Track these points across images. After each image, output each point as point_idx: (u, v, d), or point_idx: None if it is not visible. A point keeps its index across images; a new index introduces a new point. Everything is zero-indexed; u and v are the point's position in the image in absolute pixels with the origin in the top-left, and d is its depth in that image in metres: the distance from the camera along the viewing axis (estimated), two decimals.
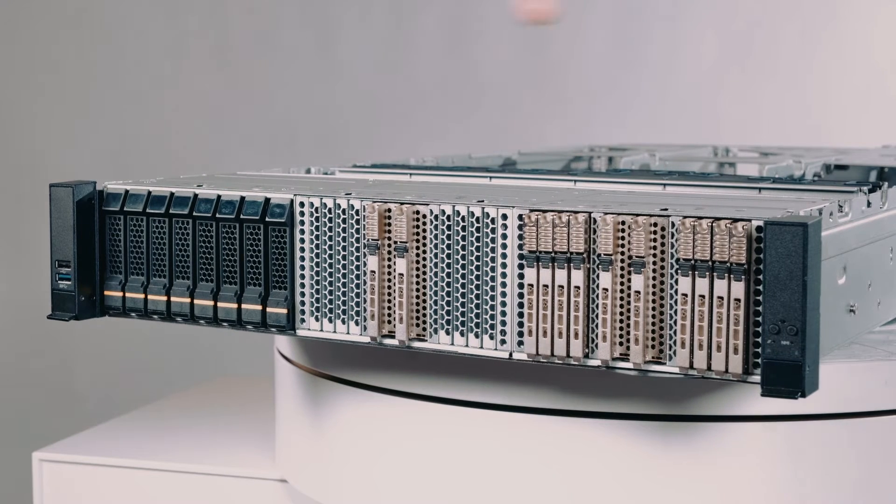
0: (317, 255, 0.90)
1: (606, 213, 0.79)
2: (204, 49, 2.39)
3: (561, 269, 0.81)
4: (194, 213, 0.93)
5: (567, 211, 0.81)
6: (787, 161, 1.26)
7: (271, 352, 1.20)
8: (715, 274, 0.76)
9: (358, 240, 0.88)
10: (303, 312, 0.90)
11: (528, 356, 0.83)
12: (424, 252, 0.86)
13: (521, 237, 0.82)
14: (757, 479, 0.90)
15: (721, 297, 0.76)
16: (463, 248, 0.84)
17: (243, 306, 0.92)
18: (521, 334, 0.83)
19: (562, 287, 0.81)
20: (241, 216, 0.91)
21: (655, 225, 0.78)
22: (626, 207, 0.81)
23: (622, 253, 0.79)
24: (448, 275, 0.85)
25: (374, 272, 0.87)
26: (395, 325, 0.87)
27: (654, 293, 0.79)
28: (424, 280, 0.86)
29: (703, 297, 0.77)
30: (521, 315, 0.83)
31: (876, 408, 0.92)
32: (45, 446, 1.34)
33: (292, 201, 0.90)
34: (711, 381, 0.82)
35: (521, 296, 0.82)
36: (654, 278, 0.79)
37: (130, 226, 0.96)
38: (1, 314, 2.55)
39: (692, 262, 0.77)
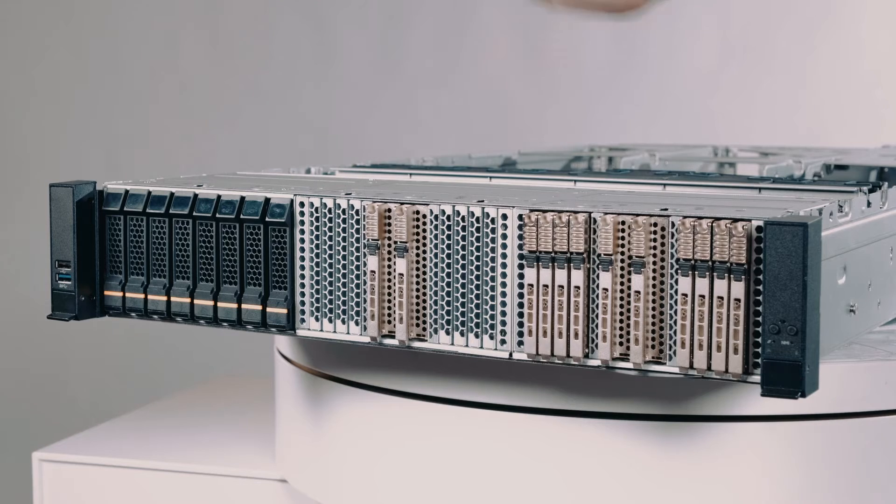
0: (317, 255, 0.90)
1: (606, 213, 0.79)
2: (203, 49, 2.39)
3: (561, 269, 0.81)
4: (194, 213, 0.93)
5: (567, 211, 0.81)
6: (787, 161, 1.26)
7: (271, 352, 1.20)
8: (715, 274, 0.76)
9: (358, 240, 0.88)
10: (303, 312, 0.90)
11: (528, 356, 0.83)
12: (424, 252, 0.86)
13: (521, 237, 0.82)
14: (757, 479, 0.90)
15: (721, 297, 0.76)
16: (463, 248, 0.85)
17: (243, 306, 0.92)
18: (521, 334, 0.83)
19: (562, 287, 0.81)
20: (241, 216, 0.91)
21: (655, 225, 0.78)
22: (626, 207, 0.81)
23: (622, 253, 0.79)
24: (448, 275, 0.85)
25: (374, 272, 0.87)
26: (395, 325, 0.87)
27: (653, 293, 0.79)
28: (424, 280, 0.86)
29: (703, 297, 0.77)
30: (521, 315, 0.83)
31: (876, 408, 0.92)
32: (45, 446, 1.34)
33: (292, 201, 0.90)
34: (711, 381, 0.82)
35: (521, 296, 0.82)
36: (654, 278, 0.79)
37: (130, 226, 0.96)
38: (1, 314, 2.55)
39: (692, 262, 0.77)
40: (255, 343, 1.84)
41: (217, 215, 0.92)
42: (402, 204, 0.86)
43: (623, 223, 0.79)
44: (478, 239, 0.84)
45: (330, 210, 0.89)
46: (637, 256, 0.79)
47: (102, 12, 2.44)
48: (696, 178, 1.10)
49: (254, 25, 2.36)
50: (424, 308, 0.86)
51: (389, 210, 0.86)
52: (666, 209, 0.79)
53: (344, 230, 0.89)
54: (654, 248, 0.79)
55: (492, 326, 0.84)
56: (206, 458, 1.28)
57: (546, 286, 0.81)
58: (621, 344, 0.80)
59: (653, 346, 0.79)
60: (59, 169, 2.42)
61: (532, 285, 0.82)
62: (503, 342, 0.84)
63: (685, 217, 0.77)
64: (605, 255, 0.79)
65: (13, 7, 2.50)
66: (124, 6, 2.43)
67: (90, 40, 2.46)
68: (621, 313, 0.80)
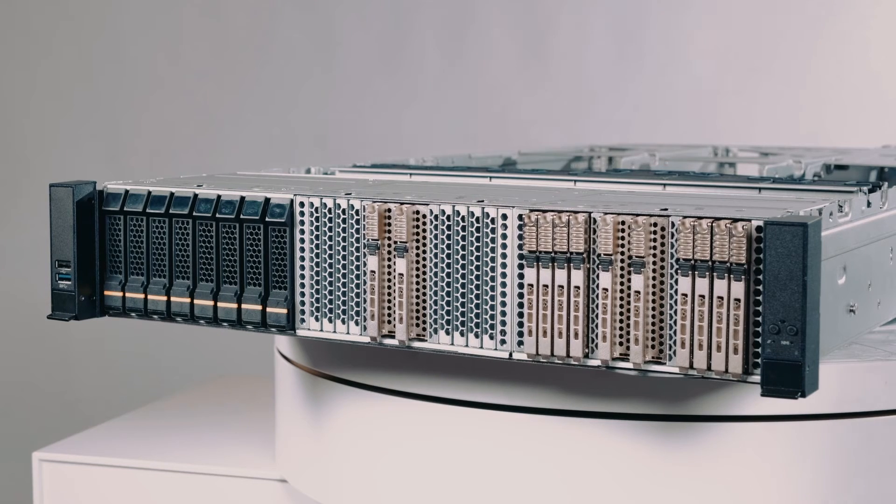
0: (317, 255, 0.90)
1: (606, 213, 0.79)
2: (203, 49, 2.39)
3: (561, 269, 0.81)
4: (194, 213, 0.93)
5: (567, 211, 0.81)
6: (787, 161, 1.26)
7: (271, 352, 1.20)
8: (715, 274, 0.76)
9: (358, 240, 0.88)
10: (303, 312, 0.90)
11: (528, 356, 0.83)
12: (424, 252, 0.86)
13: (521, 237, 0.82)
14: (757, 479, 0.90)
15: (721, 297, 0.76)
16: (463, 248, 0.85)
17: (243, 306, 0.92)
18: (521, 334, 0.83)
19: (562, 287, 0.81)
20: (241, 216, 0.91)
21: (655, 225, 0.78)
22: (626, 207, 0.81)
23: (622, 253, 0.79)
24: (448, 275, 0.85)
25: (374, 272, 0.87)
26: (395, 325, 0.87)
27: (653, 293, 0.79)
28: (424, 280, 0.86)
29: (702, 297, 0.77)
30: (520, 315, 0.83)
31: (876, 408, 0.92)
32: (45, 446, 1.34)
33: (292, 201, 0.90)
34: (711, 381, 0.82)
35: (521, 296, 0.82)
36: (653, 278, 0.79)
37: (130, 226, 0.96)
38: (1, 314, 2.55)
39: (692, 262, 0.77)
40: (255, 343, 1.84)
41: (217, 215, 0.92)
42: (402, 204, 0.86)
43: (623, 223, 0.79)
44: (478, 239, 0.84)
45: (330, 210, 0.89)
46: (637, 256, 0.79)
47: (103, 12, 2.44)
48: (696, 178, 1.10)
49: (255, 25, 2.36)
50: (424, 308, 0.86)
51: (389, 210, 0.86)
52: (666, 209, 0.79)
53: (344, 230, 0.89)
54: (654, 248, 0.79)
55: (492, 326, 0.84)
56: (206, 458, 1.28)
57: (546, 286, 0.81)
58: (621, 344, 0.80)
59: (653, 346, 0.79)
60: (59, 169, 2.42)
61: (532, 285, 0.82)
62: (503, 342, 0.84)
63: (685, 217, 0.77)
64: (604, 255, 0.79)
65: (14, 7, 2.50)
66: (125, 6, 2.43)
67: (91, 40, 2.46)
68: (621, 313, 0.80)
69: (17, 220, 2.52)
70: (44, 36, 2.48)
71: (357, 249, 0.88)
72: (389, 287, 0.87)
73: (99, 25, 2.45)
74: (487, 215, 0.83)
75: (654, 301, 0.79)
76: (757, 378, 0.76)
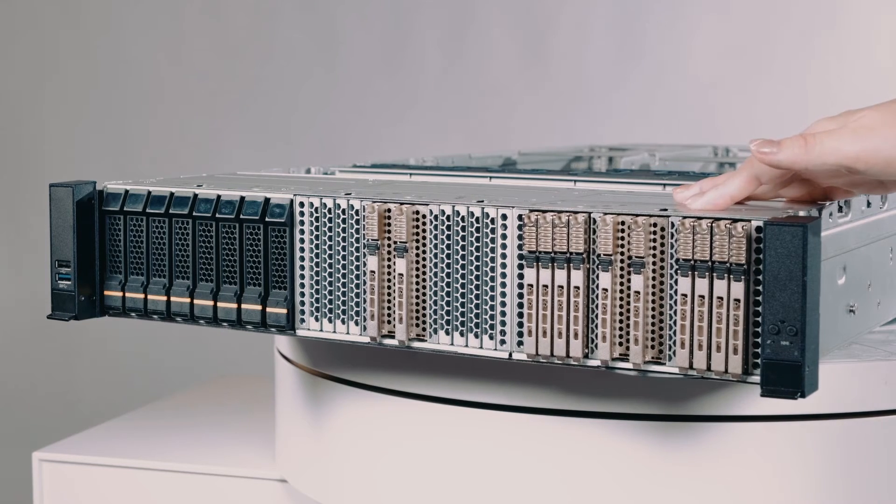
0: (317, 255, 0.90)
1: (606, 214, 0.79)
2: (204, 49, 2.39)
3: (561, 270, 0.81)
4: (194, 213, 0.93)
5: (567, 211, 0.81)
6: None
7: (271, 352, 1.20)
8: (714, 274, 0.76)
9: (358, 240, 0.88)
10: (303, 312, 0.90)
11: (528, 356, 0.83)
12: (424, 252, 0.86)
13: (520, 237, 0.82)
14: (756, 479, 0.90)
15: (721, 298, 0.76)
16: (463, 248, 0.84)
17: (243, 306, 0.92)
18: (520, 334, 0.83)
19: (561, 287, 0.81)
20: (241, 216, 0.91)
21: (655, 225, 0.78)
22: (626, 207, 0.81)
23: (622, 253, 0.79)
24: (448, 275, 0.85)
25: (373, 272, 0.87)
26: (394, 325, 0.87)
27: (653, 293, 0.79)
28: (424, 280, 0.86)
29: (702, 297, 0.77)
30: (520, 315, 0.83)
31: (876, 408, 0.92)
32: (45, 446, 1.34)
33: (292, 201, 0.90)
34: (711, 382, 0.82)
35: (520, 296, 0.82)
36: (653, 278, 0.79)
37: (130, 226, 0.96)
38: (1, 314, 2.55)
39: (692, 262, 0.77)
40: (255, 343, 1.84)
41: (217, 215, 0.92)
42: (401, 204, 0.86)
43: (623, 223, 0.79)
44: (478, 239, 0.84)
45: (330, 210, 0.89)
46: (637, 257, 0.79)
47: (105, 14, 2.44)
48: (696, 178, 1.10)
49: (256, 25, 2.36)
50: (424, 308, 0.86)
51: (389, 210, 0.86)
52: (666, 209, 0.79)
53: (344, 230, 0.89)
54: (654, 248, 0.79)
55: (491, 326, 0.84)
56: (206, 458, 1.28)
57: (546, 286, 0.81)
58: (621, 344, 0.80)
59: (652, 347, 0.79)
60: (60, 169, 2.42)
61: (532, 285, 0.81)
62: (503, 342, 0.84)
63: (685, 217, 0.77)
64: (604, 255, 0.79)
65: (16, 8, 2.50)
66: (127, 7, 2.43)
67: (92, 41, 2.46)
68: (621, 313, 0.80)
69: (18, 220, 2.52)
70: (46, 37, 2.48)
71: (357, 249, 0.88)
72: (389, 287, 0.87)
73: (100, 27, 2.45)
74: (487, 215, 0.83)
75: (653, 301, 0.79)
76: (757, 378, 0.75)
